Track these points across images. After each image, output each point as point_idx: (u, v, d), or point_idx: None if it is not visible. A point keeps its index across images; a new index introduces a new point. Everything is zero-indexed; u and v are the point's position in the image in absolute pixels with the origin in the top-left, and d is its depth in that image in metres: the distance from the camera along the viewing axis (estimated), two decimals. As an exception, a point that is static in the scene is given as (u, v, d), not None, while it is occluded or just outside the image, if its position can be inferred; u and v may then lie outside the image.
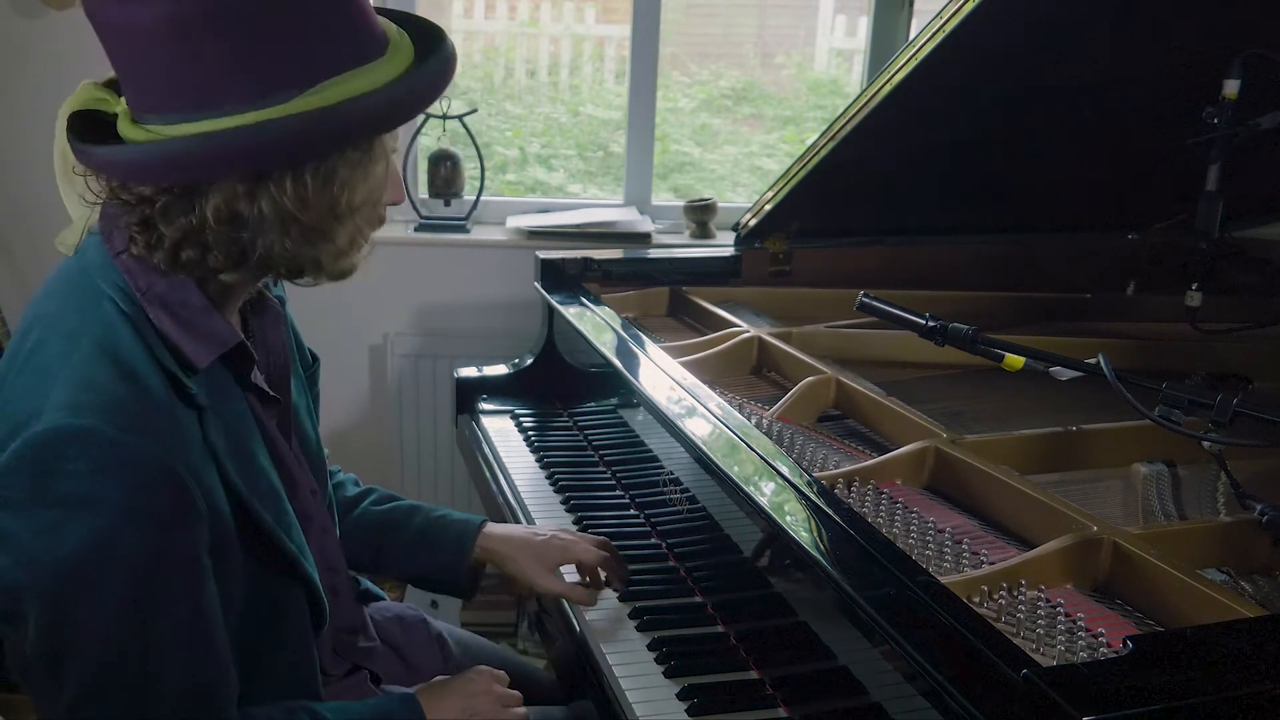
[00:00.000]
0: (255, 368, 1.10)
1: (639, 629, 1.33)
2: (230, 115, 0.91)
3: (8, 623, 0.96)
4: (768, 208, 2.16)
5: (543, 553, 1.38)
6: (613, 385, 1.83)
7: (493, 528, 1.41)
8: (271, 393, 1.13)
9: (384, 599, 1.47)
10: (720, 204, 2.73)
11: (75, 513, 0.90)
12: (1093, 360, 1.24)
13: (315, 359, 1.33)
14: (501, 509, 1.73)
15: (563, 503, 1.69)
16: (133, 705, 0.96)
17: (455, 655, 1.45)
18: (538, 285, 2.06)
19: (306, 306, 2.57)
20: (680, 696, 1.20)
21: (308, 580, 1.12)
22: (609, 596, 1.41)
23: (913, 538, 1.20)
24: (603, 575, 1.41)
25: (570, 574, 1.42)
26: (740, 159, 3.10)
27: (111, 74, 1.00)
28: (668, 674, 1.24)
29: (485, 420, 2.02)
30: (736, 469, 1.27)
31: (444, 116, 2.64)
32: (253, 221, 0.96)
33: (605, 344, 1.74)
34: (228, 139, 0.91)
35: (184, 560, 0.96)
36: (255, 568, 1.05)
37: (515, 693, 1.26)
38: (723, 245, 2.44)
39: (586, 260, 2.10)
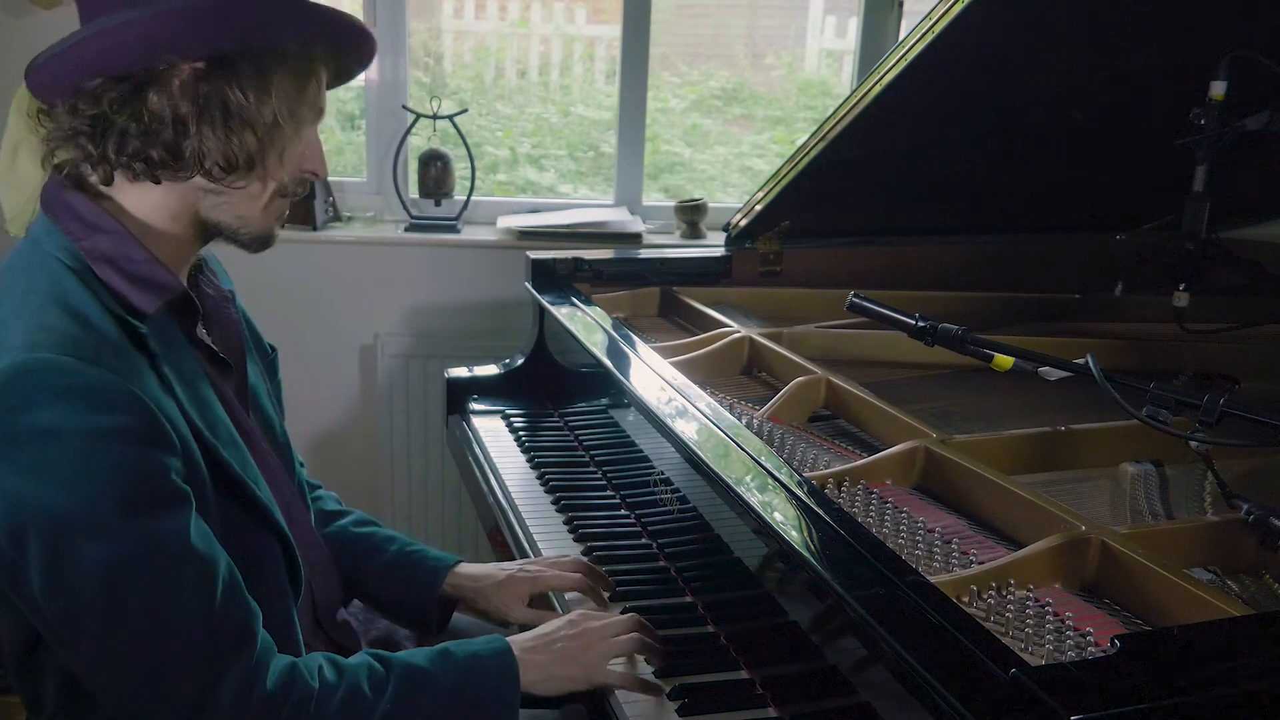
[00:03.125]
0: (200, 322, 1.14)
1: (630, 629, 1.34)
2: None
3: (11, 578, 0.98)
4: (758, 208, 2.17)
5: (509, 585, 1.39)
6: (604, 385, 1.83)
7: (464, 567, 1.42)
8: (221, 354, 1.17)
9: None
10: (711, 204, 2.73)
11: (48, 446, 0.93)
12: (1081, 360, 1.25)
13: (273, 350, 1.36)
14: (492, 509, 1.73)
15: (553, 503, 1.69)
16: (149, 645, 0.97)
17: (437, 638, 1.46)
18: (528, 285, 2.06)
19: (297, 307, 2.58)
20: (671, 696, 1.20)
21: (280, 532, 1.13)
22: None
23: (902, 538, 1.21)
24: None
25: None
26: (731, 159, 3.10)
27: None
28: (658, 674, 1.24)
29: (476, 420, 2.02)
30: (727, 469, 1.27)
31: (434, 116, 2.64)
32: (197, 114, 1.03)
33: (596, 344, 1.74)
34: (181, 16, 1.00)
35: (164, 480, 0.98)
36: (228, 516, 1.07)
37: (621, 621, 1.24)
38: (713, 245, 2.44)
39: (577, 260, 2.10)
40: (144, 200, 1.08)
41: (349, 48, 1.15)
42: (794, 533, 1.13)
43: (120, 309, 1.03)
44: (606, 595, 1.40)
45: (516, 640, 1.20)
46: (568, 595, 1.40)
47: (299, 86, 1.09)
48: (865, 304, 1.43)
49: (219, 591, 1.00)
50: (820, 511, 1.15)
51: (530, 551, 1.55)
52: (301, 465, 1.41)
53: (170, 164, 1.05)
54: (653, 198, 2.89)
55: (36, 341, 0.96)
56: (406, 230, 2.66)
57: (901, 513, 1.26)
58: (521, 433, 1.95)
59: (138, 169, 1.05)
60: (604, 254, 2.20)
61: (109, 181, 1.06)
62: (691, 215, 2.71)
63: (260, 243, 1.15)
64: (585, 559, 1.46)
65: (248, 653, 1.01)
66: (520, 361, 2.10)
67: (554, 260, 2.09)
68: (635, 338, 1.75)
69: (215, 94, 1.03)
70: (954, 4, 1.66)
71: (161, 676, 0.98)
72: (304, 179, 1.15)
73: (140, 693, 0.99)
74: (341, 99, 2.90)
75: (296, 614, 1.17)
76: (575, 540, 1.57)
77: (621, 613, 1.35)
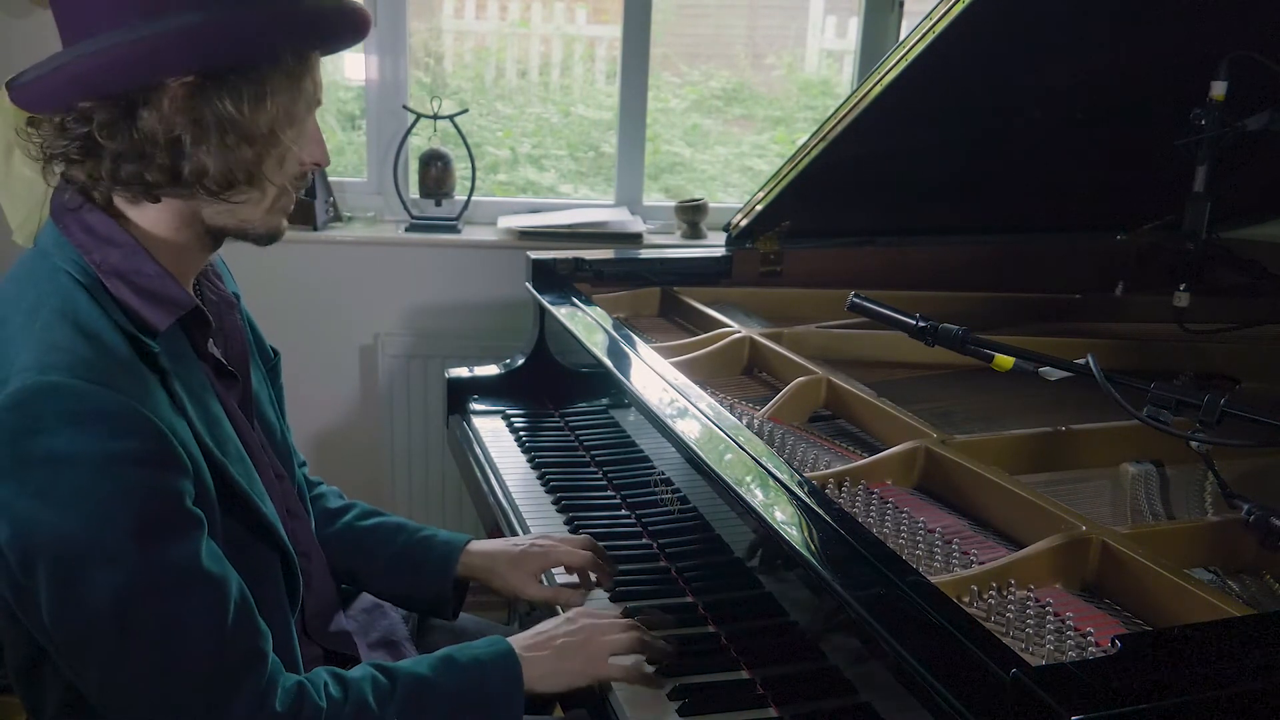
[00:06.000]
0: (211, 337, 1.13)
1: (630, 629, 1.34)
2: (172, 18, 0.96)
3: (18, 601, 0.97)
4: (759, 208, 2.17)
5: (522, 562, 1.39)
6: (604, 385, 1.84)
7: (475, 545, 1.42)
8: (228, 366, 1.16)
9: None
10: (711, 204, 2.73)
11: (59, 471, 0.92)
12: (1081, 360, 1.25)
13: (276, 354, 1.35)
14: (493, 509, 1.73)
15: (554, 503, 1.70)
16: (160, 670, 0.97)
17: (437, 635, 1.46)
18: (529, 285, 2.06)
19: (297, 307, 2.58)
20: (671, 696, 1.20)
21: (282, 549, 1.13)
22: (600, 596, 1.41)
23: (903, 538, 1.21)
24: (593, 577, 1.41)
25: (559, 573, 1.43)
26: (731, 159, 3.10)
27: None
28: (658, 674, 1.24)
29: (476, 420, 2.02)
30: (727, 469, 1.27)
31: (435, 116, 2.64)
32: (192, 133, 0.99)
33: (597, 344, 1.74)
34: (176, 34, 0.96)
35: (176, 504, 0.97)
36: (233, 534, 1.07)
37: (621, 622, 1.24)
38: (714, 246, 2.44)
39: (578, 260, 2.10)
40: (146, 214, 1.05)
41: (344, 35, 1.10)
42: (794, 532, 1.13)
43: (131, 325, 1.01)
44: (607, 592, 1.41)
45: (517, 639, 1.20)
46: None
47: (295, 87, 1.04)
48: (865, 304, 1.43)
49: (230, 613, 0.99)
50: (820, 511, 1.15)
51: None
52: (303, 464, 1.41)
53: (166, 185, 1.01)
54: (653, 198, 2.89)
55: (47, 363, 0.93)
56: (407, 230, 2.66)
57: (902, 513, 1.26)
58: (522, 433, 1.95)
59: (135, 190, 1.02)
60: (604, 254, 2.20)
61: (108, 202, 1.04)
62: (692, 215, 2.71)
63: (269, 238, 1.13)
64: (591, 537, 1.46)
65: (258, 673, 1.01)
66: (521, 361, 2.10)
67: (554, 260, 2.09)
68: (636, 338, 1.75)
69: (209, 110, 0.99)
70: (954, 4, 1.66)
71: (171, 700, 0.98)
72: (306, 172, 1.13)
73: (149, 715, 0.99)
74: (342, 99, 2.90)
75: (294, 628, 1.17)
76: (576, 540, 1.57)
77: (622, 614, 1.36)
